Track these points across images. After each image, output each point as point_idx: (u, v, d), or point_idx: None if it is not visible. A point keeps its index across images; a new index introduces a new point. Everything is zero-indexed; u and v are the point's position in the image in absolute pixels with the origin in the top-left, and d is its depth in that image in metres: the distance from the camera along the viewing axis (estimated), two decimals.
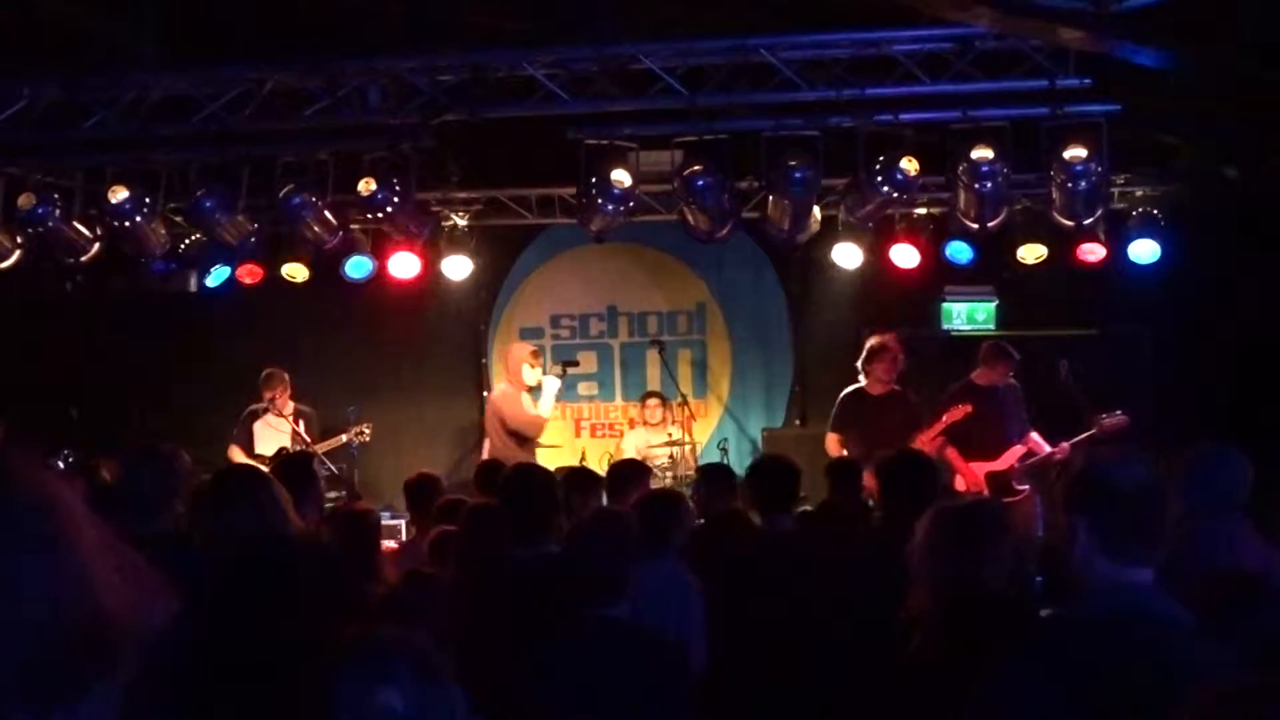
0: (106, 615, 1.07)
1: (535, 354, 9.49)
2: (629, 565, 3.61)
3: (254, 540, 3.79)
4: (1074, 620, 2.66)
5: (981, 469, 8.41)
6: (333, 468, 9.12)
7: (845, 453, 8.41)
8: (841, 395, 8.74)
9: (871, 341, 8.64)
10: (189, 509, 4.46)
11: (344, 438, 9.50)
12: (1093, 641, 2.52)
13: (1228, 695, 2.00)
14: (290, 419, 9.36)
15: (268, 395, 9.31)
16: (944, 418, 8.38)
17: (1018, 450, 8.44)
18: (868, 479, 6.71)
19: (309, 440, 9.23)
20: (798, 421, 10.91)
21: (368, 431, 9.58)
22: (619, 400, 11.23)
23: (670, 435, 9.94)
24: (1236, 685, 2.02)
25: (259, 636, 2.91)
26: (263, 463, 8.43)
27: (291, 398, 9.49)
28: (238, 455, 9.25)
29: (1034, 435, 8.54)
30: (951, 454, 8.41)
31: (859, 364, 8.65)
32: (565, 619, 3.56)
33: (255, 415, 9.45)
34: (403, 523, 8.39)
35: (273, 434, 9.44)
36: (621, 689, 3.41)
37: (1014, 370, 8.52)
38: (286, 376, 9.49)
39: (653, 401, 10.43)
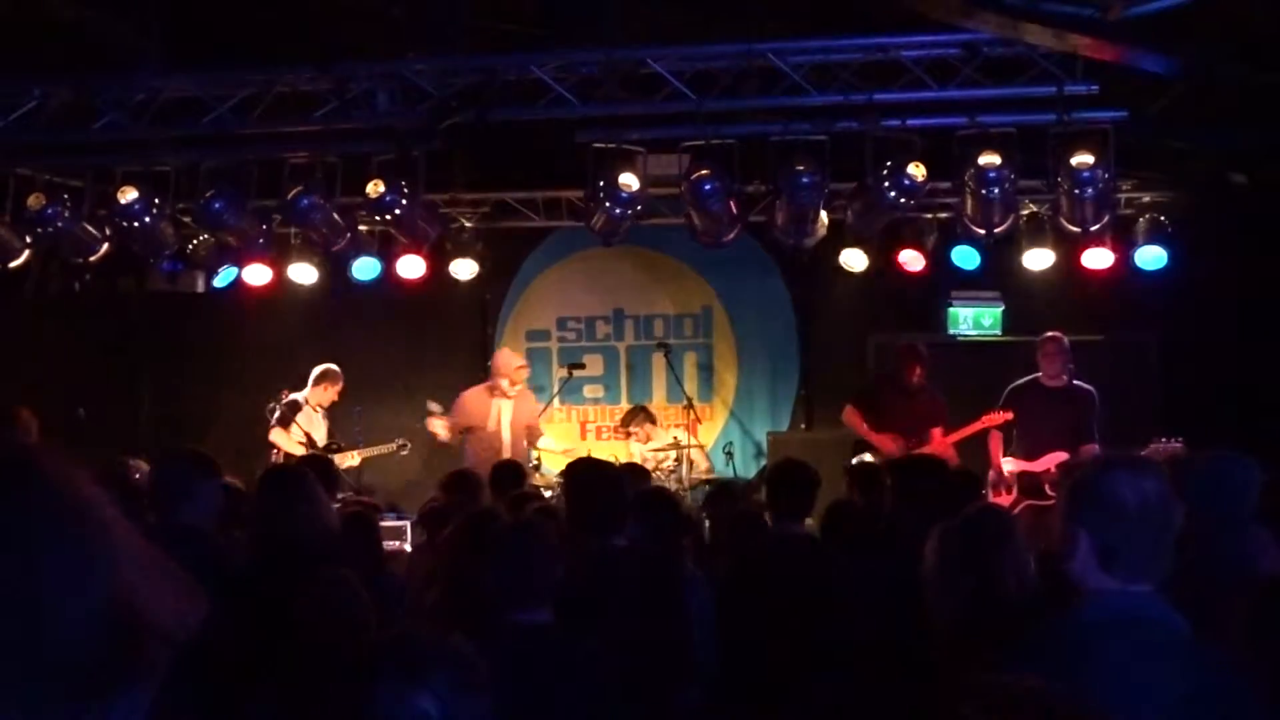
0: (141, 615, 1.08)
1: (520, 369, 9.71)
2: (550, 572, 3.59)
3: (303, 538, 3.84)
4: (1068, 624, 2.63)
5: (1019, 467, 8.35)
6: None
7: (863, 425, 8.64)
8: (876, 375, 9.22)
9: (901, 348, 8.84)
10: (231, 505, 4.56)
11: (386, 449, 9.65)
12: (1086, 644, 2.50)
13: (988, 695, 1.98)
14: (324, 419, 9.56)
15: (317, 389, 9.47)
16: (982, 420, 8.43)
17: (1058, 456, 8.11)
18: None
19: (330, 440, 9.44)
20: (803, 425, 10.92)
21: (409, 447, 9.74)
22: (624, 404, 11.20)
23: (675, 439, 9.95)
24: (999, 686, 1.99)
25: (293, 635, 2.91)
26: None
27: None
28: (282, 439, 9.30)
29: (1095, 446, 8.00)
30: (993, 446, 8.45)
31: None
32: (488, 626, 3.49)
33: (298, 406, 9.46)
34: (407, 524, 8.40)
35: (313, 429, 9.49)
36: (543, 695, 3.36)
37: (1061, 364, 8.31)
38: (342, 375, 9.61)
39: (636, 421, 10.37)
